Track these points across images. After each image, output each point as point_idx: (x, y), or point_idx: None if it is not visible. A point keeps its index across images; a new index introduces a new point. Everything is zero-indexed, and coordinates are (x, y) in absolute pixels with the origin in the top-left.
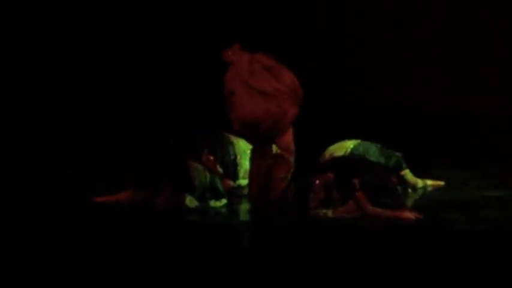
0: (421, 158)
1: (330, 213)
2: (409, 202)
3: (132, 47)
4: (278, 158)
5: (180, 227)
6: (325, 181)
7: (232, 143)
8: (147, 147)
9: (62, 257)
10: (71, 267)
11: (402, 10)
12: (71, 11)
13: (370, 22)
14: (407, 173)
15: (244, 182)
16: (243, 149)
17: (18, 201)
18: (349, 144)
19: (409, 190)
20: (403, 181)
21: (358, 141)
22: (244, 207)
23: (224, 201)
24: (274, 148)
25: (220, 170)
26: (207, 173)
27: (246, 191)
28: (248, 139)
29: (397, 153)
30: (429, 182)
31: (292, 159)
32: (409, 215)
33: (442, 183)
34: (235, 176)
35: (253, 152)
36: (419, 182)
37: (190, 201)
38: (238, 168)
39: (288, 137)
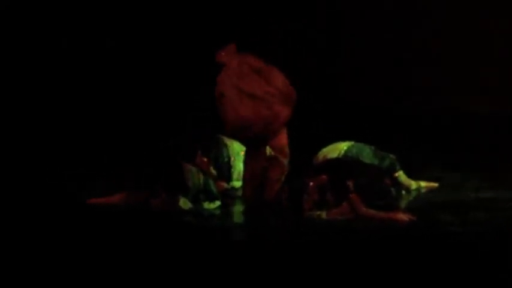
0: (416, 159)
1: (323, 215)
2: (403, 204)
3: (132, 47)
4: (272, 160)
5: (174, 229)
6: (319, 183)
7: (226, 145)
8: (145, 148)
9: (56, 258)
10: (65, 268)
11: (402, 10)
12: (71, 11)
13: (370, 22)
14: (401, 175)
15: (238, 183)
16: (237, 150)
17: (12, 202)
18: (343, 146)
19: (403, 192)
20: (397, 183)
21: (352, 143)
22: (238, 209)
23: (218, 203)
24: (268, 150)
25: (214, 171)
26: (201, 175)
27: (239, 193)
28: (241, 141)
29: (391, 155)
30: (423, 184)
31: (286, 161)
32: (402, 216)
33: (436, 184)
34: (229, 178)
35: (247, 153)
36: (413, 184)
37: (184, 203)
38: (232, 170)
39: (282, 139)
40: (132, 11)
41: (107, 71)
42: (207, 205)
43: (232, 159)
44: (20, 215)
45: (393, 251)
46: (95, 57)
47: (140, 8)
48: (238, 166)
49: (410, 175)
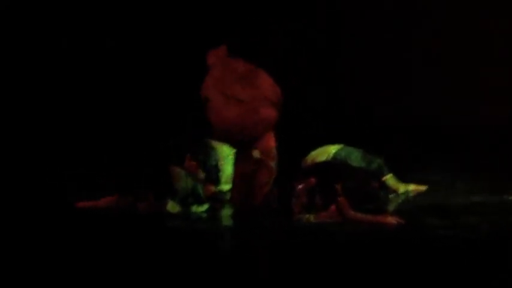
0: (406, 162)
1: (312, 218)
2: (391, 207)
3: (132, 47)
4: (259, 164)
5: (162, 232)
6: (308, 186)
7: (214, 148)
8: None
9: (44, 261)
10: (52, 272)
11: (402, 10)
12: (71, 11)
13: (370, 22)
14: (389, 178)
15: (226, 187)
16: (226, 154)
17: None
18: (332, 149)
19: (391, 195)
20: (385, 186)
21: (341, 146)
22: (227, 212)
23: (206, 206)
24: (257, 153)
25: (202, 175)
26: (189, 179)
27: (228, 196)
28: (229, 143)
29: (379, 159)
30: (411, 187)
31: (273, 164)
32: (391, 220)
33: (424, 188)
34: (217, 181)
35: (236, 156)
36: (402, 187)
37: (172, 207)
38: (221, 173)
39: (269, 143)
40: (132, 11)
41: (107, 71)
42: (195, 208)
43: (220, 162)
44: (7, 219)
45: (381, 254)
46: (94, 57)
47: (140, 8)
48: (227, 169)
49: (399, 178)
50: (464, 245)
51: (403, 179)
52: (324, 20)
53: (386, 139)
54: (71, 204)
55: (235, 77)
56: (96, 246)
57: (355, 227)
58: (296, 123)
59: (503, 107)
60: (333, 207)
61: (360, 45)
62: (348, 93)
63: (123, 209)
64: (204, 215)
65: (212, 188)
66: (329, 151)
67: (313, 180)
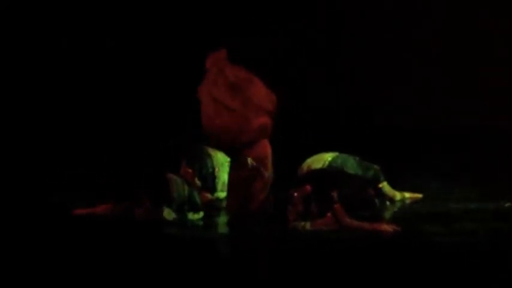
0: (401, 170)
1: (308, 225)
2: (387, 215)
3: (132, 47)
4: (253, 171)
5: (158, 240)
6: (304, 193)
7: (210, 156)
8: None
9: (40, 268)
10: (49, 279)
11: (402, 10)
12: (71, 11)
13: (370, 22)
14: (385, 186)
15: (222, 194)
16: (221, 161)
17: None
18: (327, 157)
19: (387, 203)
20: (381, 193)
21: (336, 153)
22: (222, 219)
23: (202, 214)
24: (250, 161)
25: (198, 182)
26: (186, 186)
27: (224, 204)
28: (224, 150)
29: (375, 166)
30: (407, 195)
31: (267, 173)
32: (387, 227)
33: (420, 195)
34: (213, 189)
35: (231, 164)
36: (398, 195)
37: (168, 214)
38: (217, 180)
39: (264, 150)
40: (132, 11)
41: (107, 71)
42: (191, 216)
43: (216, 169)
44: (4, 227)
45: (378, 262)
46: (94, 58)
47: (140, 8)
48: (223, 177)
49: (395, 186)
50: (461, 252)
51: (401, 184)
52: (324, 20)
53: (386, 139)
54: (68, 211)
55: (227, 85)
56: (92, 253)
57: (351, 235)
58: (294, 125)
59: (503, 107)
60: (329, 214)
61: (360, 45)
62: (348, 93)
63: (119, 215)
64: (200, 222)
65: (208, 196)
66: (325, 158)
67: (309, 187)
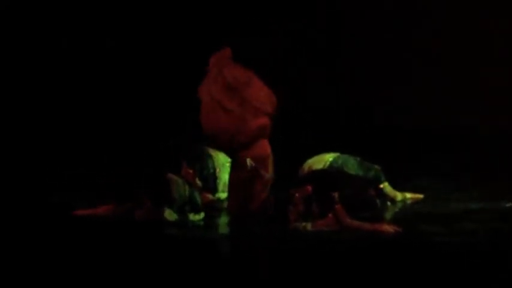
0: (402, 170)
1: (309, 226)
2: (388, 215)
3: (132, 47)
4: (253, 172)
5: (159, 240)
6: (304, 194)
7: (211, 156)
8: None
9: (41, 269)
10: (50, 280)
11: (402, 10)
12: (71, 11)
13: (370, 22)
14: (386, 186)
15: (223, 195)
16: (222, 162)
17: None
18: (328, 157)
19: (388, 203)
20: (382, 194)
21: (337, 154)
22: (223, 220)
23: (203, 214)
24: (249, 161)
25: (199, 183)
26: (187, 186)
27: (225, 204)
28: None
29: (376, 166)
30: (408, 195)
31: (267, 173)
32: (388, 228)
33: (421, 196)
34: (214, 189)
35: (231, 164)
36: (399, 195)
37: (170, 215)
38: (218, 181)
39: (263, 151)
40: (132, 11)
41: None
42: (192, 216)
43: (217, 170)
44: (4, 227)
45: (379, 262)
46: (95, 58)
47: (140, 8)
48: (224, 177)
49: (396, 186)
50: (461, 252)
51: (402, 184)
52: (324, 20)
53: (386, 139)
54: (68, 211)
55: (225, 86)
56: (93, 254)
57: (352, 235)
58: (294, 125)
59: (503, 107)
60: (330, 215)
61: (360, 45)
62: (348, 93)
63: (120, 216)
64: (201, 223)
65: (209, 196)
66: (325, 159)
67: (309, 188)
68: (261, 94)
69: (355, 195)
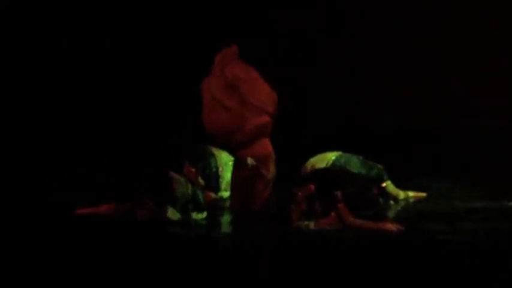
0: (404, 169)
1: (311, 225)
2: (391, 214)
3: (132, 47)
4: (254, 171)
5: (162, 239)
6: (307, 193)
7: (214, 155)
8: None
9: (43, 268)
10: (51, 279)
11: (402, 10)
12: (71, 11)
13: (370, 22)
14: (389, 185)
15: (226, 194)
16: (225, 160)
17: None
18: (331, 156)
19: (391, 202)
20: (385, 193)
21: (340, 153)
22: (226, 219)
23: (205, 213)
24: (250, 160)
25: (202, 182)
26: (189, 185)
27: (228, 203)
28: (220, 147)
29: (379, 165)
30: (411, 194)
31: (268, 172)
32: (391, 226)
33: (424, 194)
34: (217, 188)
35: (234, 163)
36: (401, 194)
37: (173, 213)
38: (220, 180)
39: (264, 149)
40: (132, 11)
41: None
42: (195, 215)
43: (220, 169)
44: (5, 227)
45: (382, 261)
46: (95, 57)
47: (140, 8)
48: (227, 176)
49: (399, 185)
50: (464, 251)
51: (404, 184)
52: (324, 20)
53: (386, 139)
54: (69, 211)
55: (225, 84)
56: (95, 253)
57: (355, 234)
58: (295, 125)
59: (503, 107)
60: (332, 214)
61: (360, 45)
62: (348, 93)
63: (122, 215)
64: (204, 221)
65: (212, 195)
66: (328, 158)
67: (312, 187)
68: (262, 92)
69: (358, 194)
